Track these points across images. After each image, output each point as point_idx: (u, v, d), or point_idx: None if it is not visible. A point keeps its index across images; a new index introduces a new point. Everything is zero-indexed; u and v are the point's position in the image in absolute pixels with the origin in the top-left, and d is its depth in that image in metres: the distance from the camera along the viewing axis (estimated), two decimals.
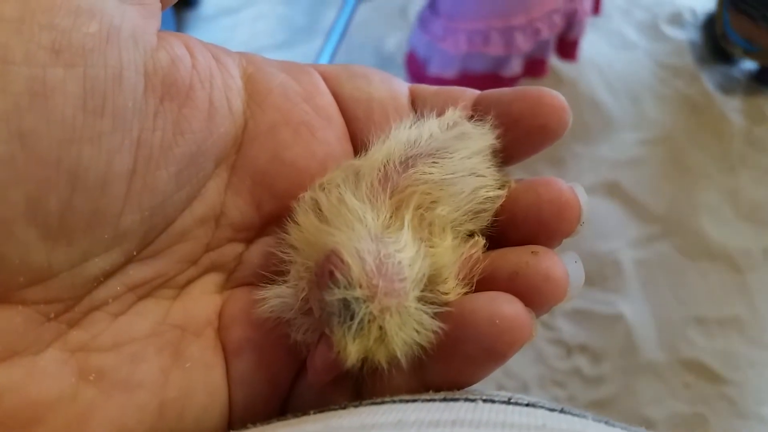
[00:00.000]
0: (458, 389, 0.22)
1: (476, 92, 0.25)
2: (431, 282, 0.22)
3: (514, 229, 0.23)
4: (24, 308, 0.20)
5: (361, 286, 0.20)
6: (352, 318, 0.20)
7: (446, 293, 0.22)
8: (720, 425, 0.92)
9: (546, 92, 0.23)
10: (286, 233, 0.23)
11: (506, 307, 0.20)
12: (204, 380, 0.23)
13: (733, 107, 1.22)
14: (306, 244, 0.22)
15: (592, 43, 1.26)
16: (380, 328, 0.20)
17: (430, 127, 0.25)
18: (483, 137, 0.24)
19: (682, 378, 0.95)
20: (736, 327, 1.00)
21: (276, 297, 0.23)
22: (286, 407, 0.24)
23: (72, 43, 0.19)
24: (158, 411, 0.22)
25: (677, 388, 0.95)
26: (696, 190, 1.13)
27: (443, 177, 0.23)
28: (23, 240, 0.19)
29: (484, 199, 0.23)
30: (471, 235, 0.24)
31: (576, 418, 0.20)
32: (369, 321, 0.20)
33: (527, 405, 0.20)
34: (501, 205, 0.24)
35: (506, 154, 0.24)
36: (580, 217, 0.23)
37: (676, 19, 1.34)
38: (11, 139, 0.18)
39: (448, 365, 0.22)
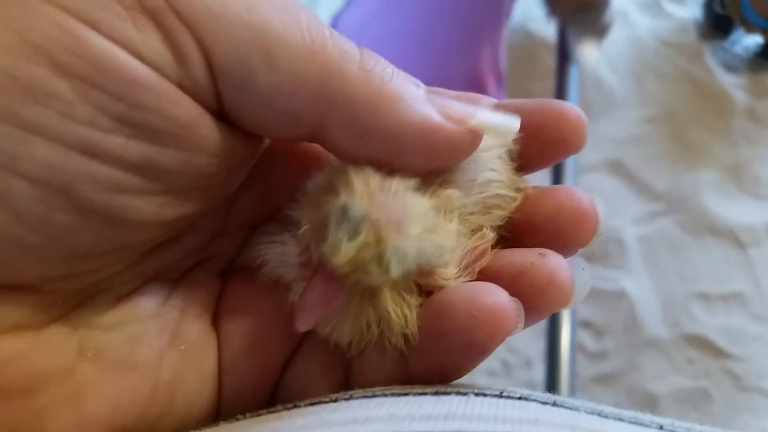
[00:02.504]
0: (443, 383, 0.22)
1: (493, 100, 0.25)
2: (430, 262, 0.21)
3: (531, 234, 0.23)
4: (37, 294, 0.20)
5: (362, 198, 0.20)
6: (349, 222, 0.20)
7: (446, 279, 0.22)
8: (723, 400, 0.93)
9: (567, 106, 0.23)
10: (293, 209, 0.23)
11: (486, 297, 0.20)
12: (197, 364, 0.23)
13: (735, 84, 1.22)
14: (311, 206, 0.22)
15: None
16: (376, 235, 0.20)
17: None
18: (503, 138, 0.23)
19: (686, 353, 0.96)
20: (740, 302, 1.00)
21: (276, 254, 0.23)
22: (275, 397, 0.24)
23: (144, 121, 0.18)
24: (151, 393, 0.22)
25: (680, 363, 0.95)
26: (698, 167, 1.12)
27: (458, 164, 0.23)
28: (48, 261, 0.19)
29: (496, 195, 0.23)
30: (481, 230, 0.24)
31: (569, 411, 0.20)
32: (365, 226, 0.20)
33: (519, 398, 0.20)
34: (519, 210, 0.24)
35: (523, 163, 0.24)
36: (597, 229, 0.23)
37: None
38: (51, 181, 0.17)
39: (430, 359, 0.22)
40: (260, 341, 0.24)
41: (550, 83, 1.05)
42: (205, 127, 0.19)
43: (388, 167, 0.21)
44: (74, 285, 0.21)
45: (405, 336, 0.21)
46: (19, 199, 0.17)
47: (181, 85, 0.18)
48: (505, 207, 0.23)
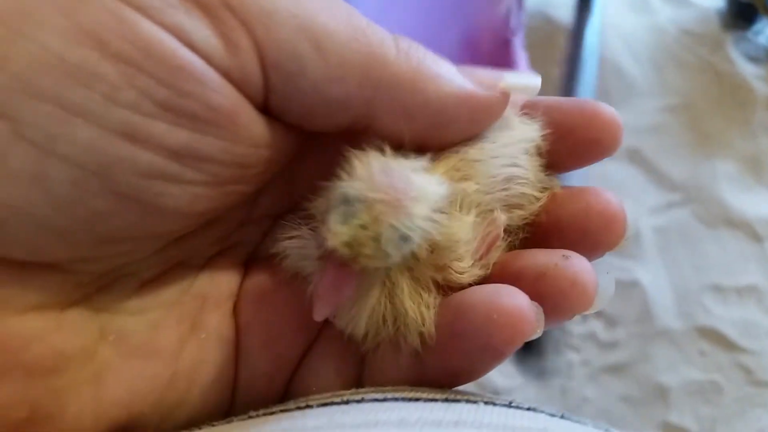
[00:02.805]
0: (458, 384, 0.22)
1: (523, 97, 0.25)
2: (445, 255, 0.21)
3: (557, 235, 0.23)
4: (62, 274, 0.20)
5: (361, 180, 0.20)
6: (345, 204, 0.20)
7: (461, 273, 0.21)
8: (734, 393, 0.92)
9: (603, 107, 0.23)
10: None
11: (506, 300, 0.20)
12: (216, 354, 0.23)
13: (756, 74, 1.20)
14: (323, 198, 0.22)
15: (615, 9, 1.24)
16: (373, 216, 0.20)
17: None
18: (528, 132, 0.23)
19: (698, 345, 0.95)
20: (754, 296, 0.99)
21: (297, 248, 0.23)
22: (288, 391, 0.24)
23: (186, 108, 0.18)
24: (169, 380, 0.22)
25: (692, 355, 0.94)
26: (717, 158, 1.11)
27: (478, 158, 0.22)
28: (76, 243, 0.19)
29: (520, 193, 0.23)
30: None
31: (576, 425, 0.20)
32: (362, 207, 0.20)
33: (528, 409, 0.20)
34: (546, 210, 0.23)
35: (553, 163, 0.24)
36: (625, 232, 0.22)
37: None
38: (88, 164, 0.17)
39: (446, 359, 0.21)
40: (277, 333, 0.24)
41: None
42: (247, 119, 0.20)
43: (432, 143, 0.22)
44: (100, 267, 0.21)
45: (421, 335, 0.21)
46: (55, 181, 0.17)
47: (228, 75, 0.19)
48: (528, 207, 0.23)
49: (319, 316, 0.21)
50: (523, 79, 0.23)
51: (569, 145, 0.23)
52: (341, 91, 0.20)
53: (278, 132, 0.21)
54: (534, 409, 0.20)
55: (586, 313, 0.21)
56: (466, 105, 0.21)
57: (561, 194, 0.23)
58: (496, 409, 0.19)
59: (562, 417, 0.20)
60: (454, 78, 0.21)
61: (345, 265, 0.20)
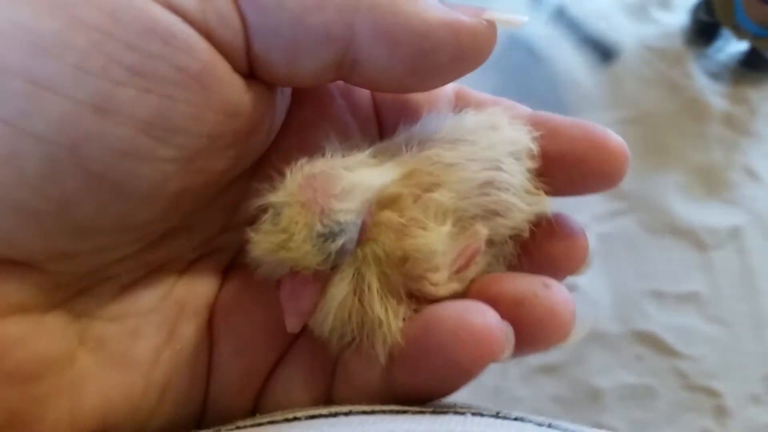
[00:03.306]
0: (428, 401, 0.22)
1: (528, 109, 0.24)
2: (418, 265, 0.21)
3: (524, 256, 0.23)
4: (41, 274, 0.20)
5: (285, 188, 0.20)
6: (272, 213, 0.20)
7: (435, 285, 0.21)
8: (668, 397, 0.92)
9: (612, 137, 0.21)
10: None
11: (475, 318, 0.20)
12: (190, 364, 0.23)
13: (715, 90, 1.21)
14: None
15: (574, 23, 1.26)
16: (296, 219, 0.20)
17: (462, 117, 0.24)
18: (516, 135, 0.22)
19: (634, 350, 0.95)
20: (695, 303, 0.99)
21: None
22: (258, 404, 0.24)
23: (155, 72, 0.18)
24: (144, 390, 0.22)
25: (628, 359, 0.95)
26: (668, 169, 1.12)
27: (454, 161, 0.22)
28: (51, 231, 0.19)
29: (501, 200, 0.22)
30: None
31: None
32: (284, 213, 0.20)
33: (515, 419, 0.20)
34: (529, 228, 0.22)
35: (556, 187, 0.23)
36: (586, 259, 0.22)
37: (665, 3, 1.33)
38: (60, 140, 0.17)
39: (414, 375, 0.21)
40: (249, 342, 0.24)
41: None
42: (220, 81, 0.19)
43: (418, 80, 0.21)
44: (79, 267, 0.21)
45: (387, 343, 0.21)
46: (27, 160, 0.17)
47: (204, 26, 0.18)
48: (512, 216, 0.22)
49: (290, 327, 0.21)
50: (508, 15, 0.21)
51: (575, 173, 0.22)
52: (321, 18, 0.19)
53: (256, 97, 0.21)
54: (522, 419, 0.20)
55: (562, 344, 0.20)
56: (451, 29, 0.20)
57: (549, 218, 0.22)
58: (484, 419, 0.19)
59: (549, 426, 0.20)
60: (435, 5, 0.20)
61: (298, 273, 0.21)
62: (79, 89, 0.17)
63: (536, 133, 0.21)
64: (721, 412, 0.92)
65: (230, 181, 0.23)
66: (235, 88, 0.20)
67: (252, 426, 0.21)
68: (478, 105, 0.25)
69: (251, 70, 0.20)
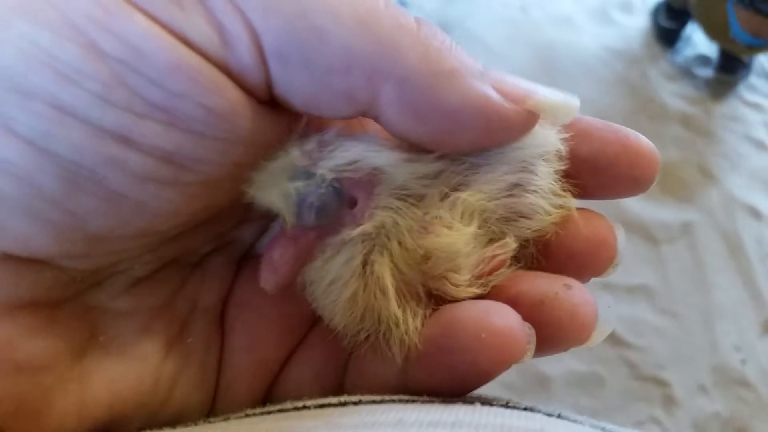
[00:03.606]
0: (442, 399, 0.21)
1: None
2: (440, 264, 0.20)
3: (544, 255, 0.22)
4: (55, 270, 0.20)
5: (297, 146, 0.20)
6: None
7: (457, 286, 0.20)
8: (616, 385, 0.94)
9: (644, 140, 0.21)
10: None
11: (497, 320, 0.19)
12: (201, 357, 0.23)
13: (671, 91, 1.24)
14: None
15: (536, 25, 1.29)
16: (276, 168, 0.20)
17: None
18: (547, 136, 0.21)
19: None
20: (646, 295, 1.01)
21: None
22: (269, 397, 0.24)
23: (180, 109, 0.17)
24: (154, 383, 0.22)
25: (577, 348, 0.96)
26: None
27: (483, 162, 0.21)
28: (69, 238, 0.18)
29: (528, 203, 0.21)
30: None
31: (574, 425, 0.19)
32: (277, 160, 0.20)
33: (525, 409, 0.20)
34: (555, 230, 0.21)
35: (583, 189, 0.22)
36: (614, 259, 0.22)
37: (627, 7, 1.36)
38: (81, 162, 0.17)
39: (430, 373, 0.20)
40: (261, 337, 0.23)
41: None
42: (246, 117, 0.19)
43: (440, 147, 0.20)
44: (93, 264, 0.20)
45: (403, 343, 0.20)
46: (48, 178, 0.17)
47: (226, 69, 0.18)
48: (537, 218, 0.21)
49: (262, 282, 0.21)
50: (559, 99, 0.20)
51: (605, 177, 0.22)
52: (346, 83, 0.18)
53: (280, 123, 0.20)
54: (531, 409, 0.19)
55: (582, 345, 0.20)
56: (483, 115, 0.19)
57: (575, 217, 0.21)
58: (493, 409, 0.19)
59: (559, 416, 0.19)
60: (476, 81, 0.19)
61: (283, 234, 0.21)
62: (100, 119, 0.17)
63: (566, 135, 0.21)
64: (669, 402, 0.94)
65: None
66: (260, 123, 0.19)
67: (261, 414, 0.20)
68: None
69: (272, 100, 0.20)
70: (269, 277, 0.21)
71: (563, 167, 0.21)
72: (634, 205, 1.09)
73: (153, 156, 0.18)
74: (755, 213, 1.12)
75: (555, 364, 0.94)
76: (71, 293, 0.20)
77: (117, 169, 0.17)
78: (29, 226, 0.18)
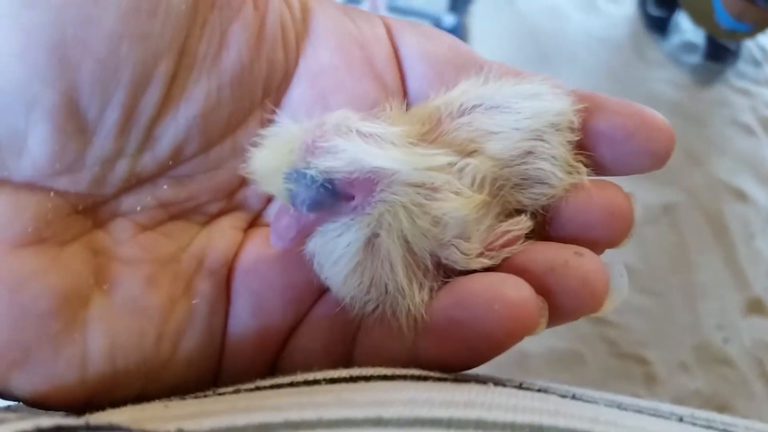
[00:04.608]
0: (452, 372, 0.21)
1: (566, 87, 0.23)
2: (448, 230, 0.20)
3: (557, 225, 0.22)
4: (55, 195, 0.20)
5: (297, 125, 0.20)
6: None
7: (467, 255, 0.20)
8: (597, 363, 0.94)
9: (659, 117, 0.22)
10: None
11: (510, 291, 0.19)
12: (206, 320, 0.22)
13: (659, 78, 1.25)
14: None
15: (523, 14, 1.29)
16: (276, 152, 0.20)
17: (503, 85, 0.23)
18: (559, 104, 0.21)
19: None
20: (627, 275, 1.01)
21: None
22: (276, 366, 0.23)
23: None
24: (155, 341, 0.22)
25: (558, 326, 0.96)
26: None
27: (495, 129, 0.21)
28: (60, 127, 0.19)
29: (541, 170, 0.21)
30: (519, 211, 0.22)
31: (588, 405, 0.19)
32: (276, 141, 0.20)
33: (539, 390, 0.19)
34: (566, 199, 0.21)
35: (600, 165, 0.22)
36: (630, 230, 0.21)
37: None
38: (57, 27, 0.17)
39: (441, 346, 0.20)
40: (267, 304, 0.23)
41: None
42: None
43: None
44: (87, 184, 0.20)
45: (411, 314, 0.20)
46: (39, 51, 0.18)
47: None
48: (549, 186, 0.21)
49: (272, 241, 0.22)
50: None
51: (623, 152, 0.22)
52: None
53: None
54: (545, 390, 0.19)
55: (594, 314, 0.20)
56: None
57: (586, 186, 0.22)
58: (506, 390, 0.19)
59: (573, 398, 0.19)
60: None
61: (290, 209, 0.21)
62: None
63: (579, 105, 0.21)
64: (650, 380, 0.93)
65: (241, 123, 0.23)
66: None
67: (272, 387, 0.20)
68: (506, 75, 0.24)
69: None
70: (278, 241, 0.21)
71: (577, 138, 0.21)
72: None
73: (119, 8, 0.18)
74: (741, 195, 1.12)
75: (534, 342, 0.94)
76: (75, 232, 0.21)
77: (93, 28, 0.18)
78: (25, 115, 0.18)
